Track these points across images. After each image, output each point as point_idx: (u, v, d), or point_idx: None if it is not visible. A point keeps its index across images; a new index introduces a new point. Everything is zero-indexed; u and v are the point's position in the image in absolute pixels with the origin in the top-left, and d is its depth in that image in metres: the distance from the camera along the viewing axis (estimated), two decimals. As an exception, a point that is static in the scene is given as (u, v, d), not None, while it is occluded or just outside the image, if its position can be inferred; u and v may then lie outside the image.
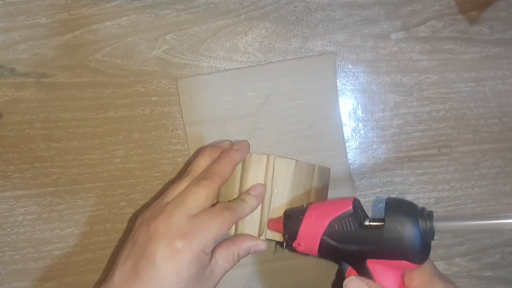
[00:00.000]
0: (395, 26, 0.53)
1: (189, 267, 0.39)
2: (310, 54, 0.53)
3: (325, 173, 0.50)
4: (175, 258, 0.38)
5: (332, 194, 0.51)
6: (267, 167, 0.47)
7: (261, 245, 0.45)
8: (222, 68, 0.53)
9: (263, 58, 0.53)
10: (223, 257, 0.43)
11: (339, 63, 0.53)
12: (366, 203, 0.54)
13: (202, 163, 0.46)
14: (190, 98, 0.52)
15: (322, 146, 0.53)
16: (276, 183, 0.47)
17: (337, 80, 0.53)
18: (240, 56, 0.53)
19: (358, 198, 0.53)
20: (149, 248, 0.39)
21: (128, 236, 0.44)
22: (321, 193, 0.50)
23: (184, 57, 0.52)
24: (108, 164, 0.53)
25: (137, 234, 0.41)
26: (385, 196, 0.54)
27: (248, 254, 0.45)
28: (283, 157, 0.47)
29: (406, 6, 0.53)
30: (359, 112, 0.54)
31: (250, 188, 0.46)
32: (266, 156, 0.47)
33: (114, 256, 0.53)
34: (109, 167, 0.53)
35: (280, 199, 0.47)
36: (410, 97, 0.54)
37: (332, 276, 0.54)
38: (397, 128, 0.54)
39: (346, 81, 0.53)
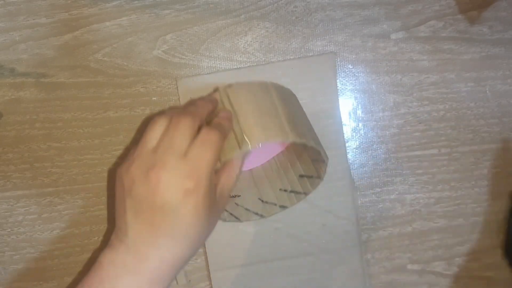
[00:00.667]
0: (395, 26, 0.53)
1: (204, 201, 0.38)
2: (310, 54, 0.53)
3: (282, 89, 0.49)
4: (190, 198, 0.38)
5: (332, 193, 0.51)
6: (221, 98, 0.46)
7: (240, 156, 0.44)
8: (222, 68, 0.52)
9: (263, 58, 0.53)
10: (225, 179, 0.42)
11: (339, 63, 0.53)
12: (366, 202, 0.54)
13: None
14: (190, 98, 0.52)
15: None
16: (236, 104, 0.45)
17: (338, 80, 0.53)
18: (240, 56, 0.53)
19: (358, 197, 0.54)
20: (159, 199, 0.38)
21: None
22: (289, 105, 0.48)
23: (184, 57, 0.52)
24: (108, 164, 0.53)
25: (135, 190, 0.39)
26: (385, 196, 0.54)
27: (241, 166, 0.44)
28: (231, 84, 0.47)
29: (406, 6, 0.53)
30: (359, 112, 0.54)
31: (219, 114, 0.44)
32: (217, 88, 0.46)
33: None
34: (109, 167, 0.53)
35: (246, 115, 0.45)
36: (410, 97, 0.54)
37: (331, 276, 0.54)
38: (397, 128, 0.54)
39: (346, 81, 0.53)
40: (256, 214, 0.51)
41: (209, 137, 0.40)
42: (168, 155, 0.39)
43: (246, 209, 0.51)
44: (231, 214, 0.50)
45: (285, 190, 0.51)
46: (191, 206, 0.38)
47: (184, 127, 0.40)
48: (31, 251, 0.53)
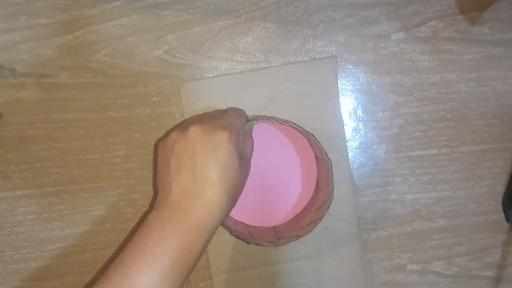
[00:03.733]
0: (395, 26, 0.53)
1: (235, 149, 0.43)
2: (311, 55, 0.53)
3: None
4: (225, 144, 0.43)
5: (334, 197, 0.51)
6: None
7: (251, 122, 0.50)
8: (222, 68, 0.52)
9: (263, 59, 0.53)
10: (245, 143, 0.47)
11: (339, 63, 0.53)
12: (366, 202, 0.54)
13: None
14: (192, 102, 0.52)
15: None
16: None
17: (338, 81, 0.53)
18: (240, 57, 0.52)
19: (358, 197, 0.54)
20: (199, 147, 0.43)
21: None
22: None
23: (185, 57, 0.52)
24: (109, 164, 0.53)
25: (177, 147, 0.44)
26: (385, 196, 0.54)
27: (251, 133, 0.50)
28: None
29: (406, 6, 0.53)
30: (359, 112, 0.54)
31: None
32: None
33: (113, 257, 0.53)
34: (109, 167, 0.53)
35: None
36: (411, 97, 0.54)
37: (333, 279, 0.54)
38: (398, 128, 0.54)
39: (347, 81, 0.53)
40: (270, 242, 0.51)
41: (237, 110, 0.48)
42: (202, 119, 0.45)
43: (259, 244, 0.51)
44: (240, 238, 0.51)
45: (302, 227, 0.51)
46: (225, 151, 0.42)
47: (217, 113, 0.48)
48: (31, 251, 0.53)
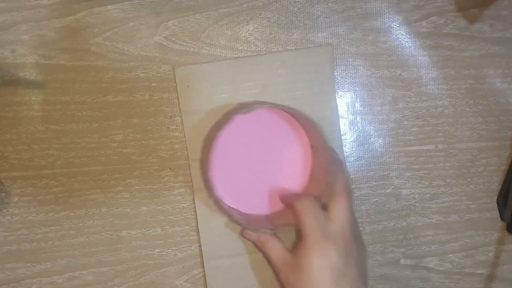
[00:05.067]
0: (396, 20, 0.53)
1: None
2: (311, 46, 0.53)
3: None
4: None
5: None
6: None
7: None
8: (222, 56, 0.53)
9: (263, 48, 0.53)
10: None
11: (339, 55, 0.53)
12: (361, 196, 0.54)
13: None
14: (188, 86, 0.52)
15: (319, 138, 0.53)
16: None
17: (337, 73, 0.53)
18: (241, 45, 0.53)
19: (353, 191, 0.54)
20: None
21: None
22: None
23: (185, 44, 0.52)
24: (106, 148, 0.53)
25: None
26: (381, 190, 0.54)
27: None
28: None
29: (408, 0, 0.53)
30: (357, 105, 0.54)
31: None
32: None
33: (107, 240, 0.53)
34: (106, 151, 0.53)
35: None
36: (409, 92, 0.54)
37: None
38: (395, 123, 0.54)
39: (346, 74, 0.53)
40: (268, 229, 0.51)
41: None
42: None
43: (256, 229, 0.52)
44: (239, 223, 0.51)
45: None
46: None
47: None
48: (25, 233, 0.53)
